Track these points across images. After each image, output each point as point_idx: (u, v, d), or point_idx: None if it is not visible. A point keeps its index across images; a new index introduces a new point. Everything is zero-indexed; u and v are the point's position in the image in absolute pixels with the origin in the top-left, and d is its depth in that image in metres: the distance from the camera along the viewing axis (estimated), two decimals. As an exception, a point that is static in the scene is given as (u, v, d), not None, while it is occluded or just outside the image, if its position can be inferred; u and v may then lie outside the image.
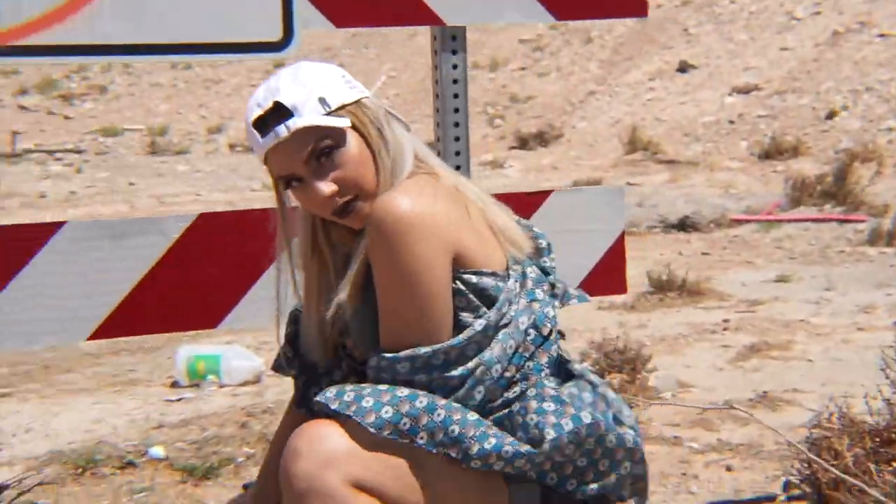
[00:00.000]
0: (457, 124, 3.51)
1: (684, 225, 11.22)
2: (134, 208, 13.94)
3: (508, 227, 2.69)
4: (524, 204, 3.59)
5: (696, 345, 6.80)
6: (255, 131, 2.54)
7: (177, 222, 3.28)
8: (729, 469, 4.65)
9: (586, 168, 16.37)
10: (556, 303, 2.67)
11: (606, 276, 3.63)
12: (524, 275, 2.63)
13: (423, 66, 25.00)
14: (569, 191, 3.62)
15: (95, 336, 3.21)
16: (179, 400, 5.94)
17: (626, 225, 11.41)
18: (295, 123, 2.49)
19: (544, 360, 2.58)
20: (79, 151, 21.44)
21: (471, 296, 2.54)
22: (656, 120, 19.09)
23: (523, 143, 18.92)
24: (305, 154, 2.52)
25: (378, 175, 2.56)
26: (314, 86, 2.53)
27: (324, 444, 2.42)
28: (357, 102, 2.58)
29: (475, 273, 2.54)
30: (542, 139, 18.90)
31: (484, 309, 2.54)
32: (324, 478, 2.39)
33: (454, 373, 2.48)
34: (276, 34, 3.30)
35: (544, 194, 3.60)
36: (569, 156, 17.86)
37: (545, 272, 2.73)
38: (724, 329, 7.15)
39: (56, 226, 3.19)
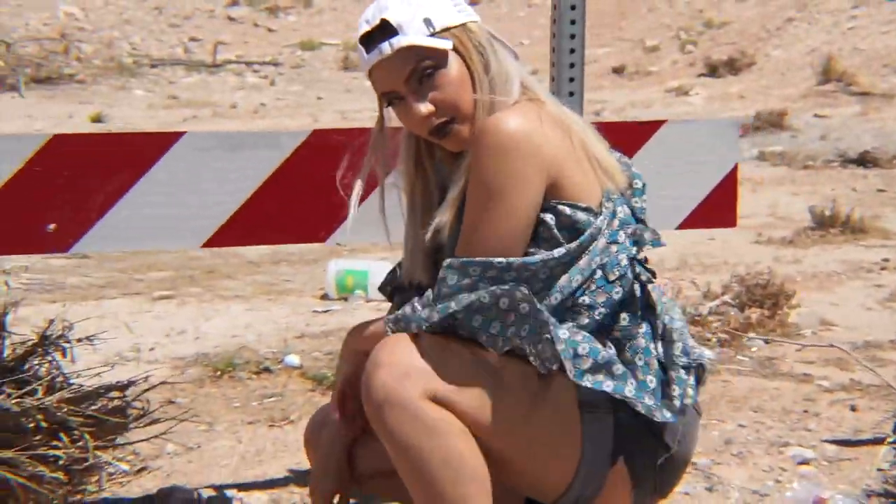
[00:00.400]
0: (572, 50, 3.52)
1: (863, 160, 10.98)
2: (317, 122, 14.18)
3: (607, 159, 2.70)
4: (636, 133, 3.61)
5: (848, 283, 6.72)
6: (361, 47, 2.62)
7: (291, 137, 3.39)
8: (853, 409, 4.62)
9: (774, 98, 16.07)
10: (634, 249, 2.67)
11: (717, 209, 3.64)
12: (613, 213, 2.64)
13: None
14: (681, 122, 3.62)
15: (209, 244, 3.34)
16: (326, 312, 6.12)
17: (803, 158, 11.23)
18: (399, 42, 2.55)
19: (601, 300, 2.61)
20: (276, 64, 21.81)
21: (555, 230, 2.58)
22: (855, 49, 18.61)
23: (713, 70, 18.65)
24: (407, 72, 2.58)
25: (482, 99, 2.61)
26: (421, 6, 2.58)
27: (404, 357, 2.51)
28: (462, 26, 2.62)
29: (570, 205, 2.58)
30: (732, 67, 18.60)
31: (563, 242, 2.58)
32: (400, 389, 2.48)
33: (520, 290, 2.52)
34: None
35: (657, 124, 3.61)
36: (759, 85, 17.54)
37: (634, 213, 2.74)
38: (882, 268, 7.03)
39: (177, 135, 3.33)
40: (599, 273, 2.59)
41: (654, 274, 2.75)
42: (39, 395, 3.44)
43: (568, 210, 2.58)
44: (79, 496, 3.74)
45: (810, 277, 6.81)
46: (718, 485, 3.93)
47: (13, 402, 3.38)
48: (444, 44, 2.58)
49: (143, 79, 19.38)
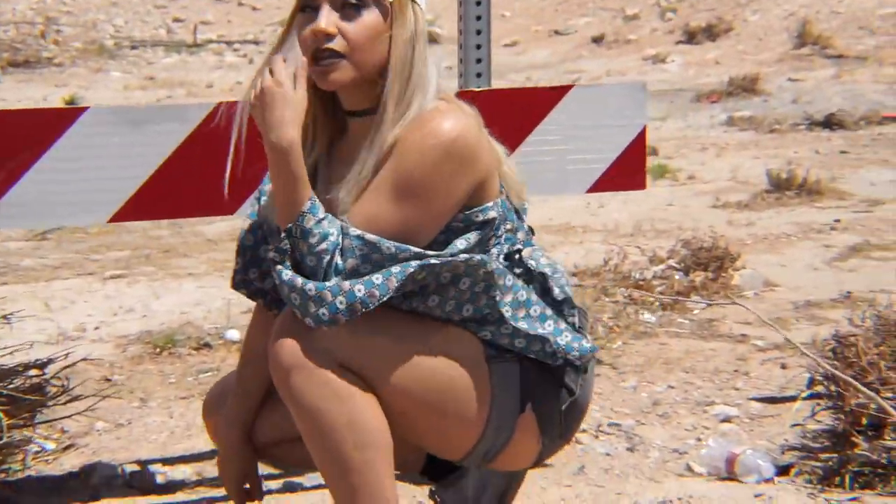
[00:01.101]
0: (479, 28, 3.54)
1: (829, 122, 10.99)
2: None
3: (510, 172, 2.73)
4: (545, 99, 3.62)
5: (798, 244, 6.75)
6: None
7: (198, 110, 3.40)
8: (784, 367, 4.66)
9: (749, 63, 16.06)
10: (507, 246, 2.68)
11: (625, 173, 3.65)
12: (504, 207, 2.67)
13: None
14: (589, 86, 3.64)
15: (115, 219, 3.36)
16: (276, 286, 6.13)
17: (771, 122, 11.24)
18: None
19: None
20: (256, 42, 21.76)
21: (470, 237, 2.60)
22: (832, 13, 18.59)
23: (691, 36, 18.62)
24: None
25: (383, 70, 2.57)
26: None
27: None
28: (414, 1, 2.59)
29: (480, 209, 2.60)
30: (710, 33, 18.57)
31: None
32: (309, 353, 2.50)
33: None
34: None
35: (564, 89, 3.63)
36: (735, 50, 17.53)
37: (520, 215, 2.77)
38: (832, 229, 7.06)
39: (79, 111, 3.34)
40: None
41: (532, 231, 2.80)
42: (-49, 373, 3.46)
43: (476, 214, 2.60)
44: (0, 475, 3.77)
45: (761, 240, 6.84)
46: (640, 445, 3.97)
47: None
48: None
49: (121, 60, 19.37)
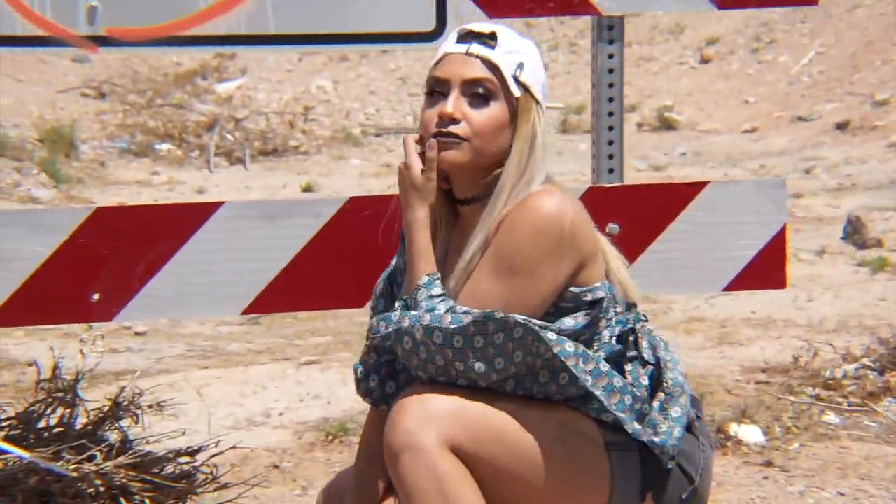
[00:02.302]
0: (611, 125, 3.53)
1: None
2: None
3: (620, 271, 2.78)
4: (681, 195, 3.57)
5: None
6: (456, 35, 2.73)
7: (328, 205, 3.47)
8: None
9: None
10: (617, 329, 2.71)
11: (765, 271, 3.57)
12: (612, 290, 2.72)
13: (857, 40, 24.13)
14: (726, 182, 3.57)
15: (247, 311, 3.45)
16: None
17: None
18: (489, 53, 2.66)
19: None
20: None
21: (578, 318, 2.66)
22: None
23: None
24: (471, 77, 2.66)
25: (507, 162, 2.66)
26: (526, 54, 2.70)
27: (428, 402, 2.58)
28: (537, 101, 2.70)
29: (584, 290, 2.66)
30: None
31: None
32: (422, 435, 2.54)
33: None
34: (430, 25, 3.43)
35: (700, 185, 3.57)
36: None
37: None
38: None
39: (215, 205, 3.45)
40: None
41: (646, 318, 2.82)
42: (99, 460, 3.58)
43: (584, 294, 2.66)
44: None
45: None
46: (799, 553, 3.82)
47: (71, 467, 3.53)
48: (516, 91, 2.66)
49: (363, 148, 19.80)
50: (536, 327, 2.55)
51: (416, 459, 2.54)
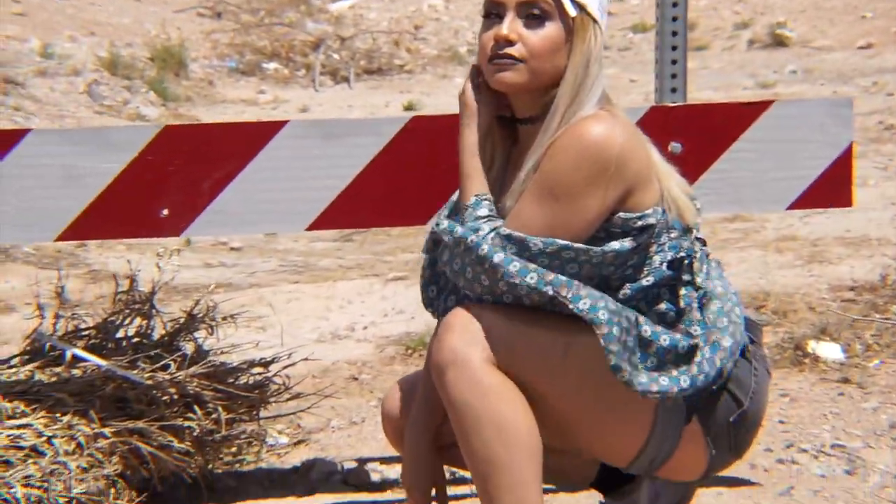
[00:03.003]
0: (675, 45, 3.53)
1: None
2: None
3: (674, 191, 2.75)
4: (743, 114, 3.56)
5: None
6: None
7: (391, 124, 3.52)
8: None
9: None
10: (670, 253, 2.71)
11: (830, 190, 3.55)
12: (665, 216, 2.71)
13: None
14: (790, 102, 3.56)
15: (313, 227, 3.51)
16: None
17: None
18: None
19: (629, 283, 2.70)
20: (606, 48, 21.80)
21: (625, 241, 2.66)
22: None
23: None
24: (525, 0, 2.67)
25: (561, 82, 2.67)
26: None
27: (474, 322, 2.63)
28: (596, 21, 2.70)
29: (635, 216, 2.66)
30: None
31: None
32: (467, 353, 2.61)
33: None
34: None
35: (764, 105, 3.56)
36: None
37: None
38: None
39: (280, 124, 3.51)
40: (630, 270, 2.68)
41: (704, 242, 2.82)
42: (172, 369, 3.69)
43: (634, 220, 2.66)
44: (224, 466, 3.99)
45: None
46: (861, 468, 3.83)
47: (146, 375, 3.65)
48: (572, 10, 2.66)
49: (468, 67, 19.76)
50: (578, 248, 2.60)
51: (461, 375, 2.60)
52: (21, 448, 3.41)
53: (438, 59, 20.57)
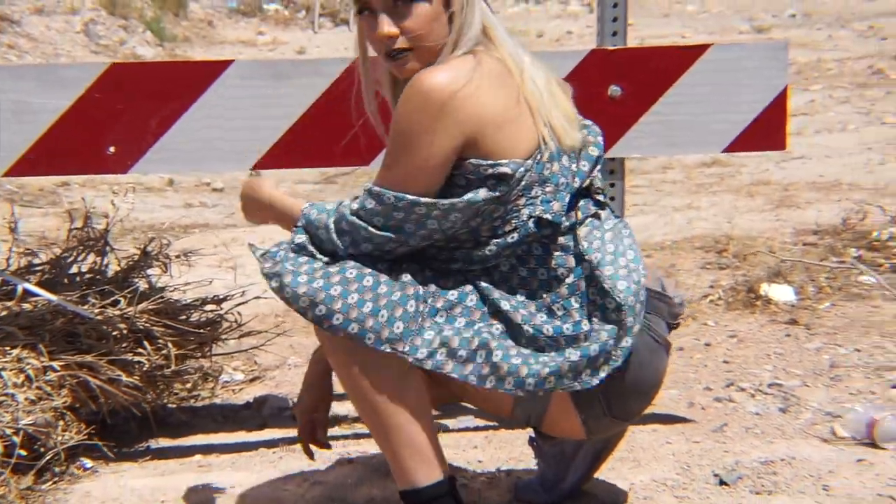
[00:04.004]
0: (615, 5, 3.59)
1: None
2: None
3: (556, 118, 2.74)
4: (682, 58, 3.62)
5: None
6: None
7: (334, 65, 3.58)
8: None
9: None
10: (540, 208, 2.71)
11: (765, 132, 3.61)
12: (541, 166, 2.70)
13: None
14: (727, 45, 3.61)
15: (258, 166, 3.58)
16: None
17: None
18: None
19: (496, 240, 2.73)
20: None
21: (479, 192, 2.67)
22: None
23: None
24: None
25: (448, 39, 2.69)
26: None
27: None
28: None
29: (489, 164, 2.66)
30: None
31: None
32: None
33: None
34: None
35: (702, 48, 3.61)
36: None
37: (569, 175, 2.76)
38: None
39: (225, 64, 3.58)
40: (499, 221, 2.70)
41: (601, 206, 2.82)
42: (123, 305, 3.77)
43: (485, 168, 2.66)
44: (179, 401, 4.08)
45: None
46: (794, 406, 3.91)
47: (96, 310, 3.73)
48: None
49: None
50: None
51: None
52: (-30, 380, 3.49)
53: (438, 1, 20.50)
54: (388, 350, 2.61)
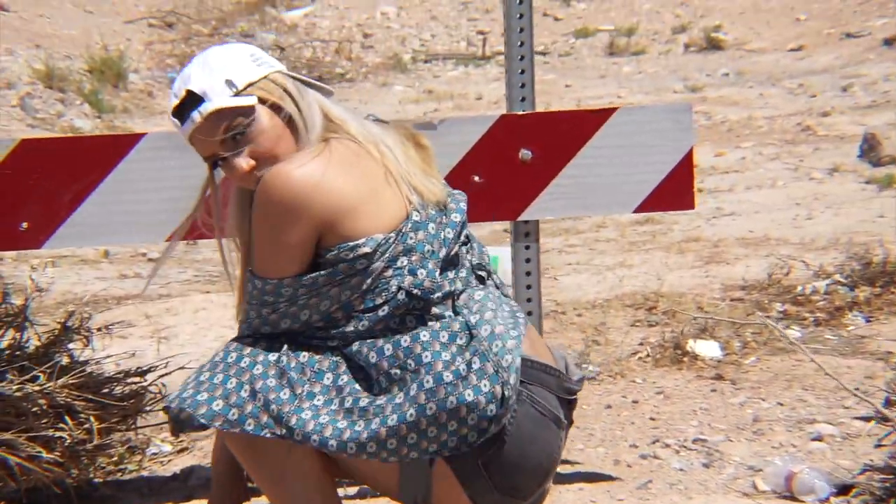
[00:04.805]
0: (522, 55, 3.64)
1: None
2: (546, 107, 14.27)
3: (416, 178, 2.79)
4: (591, 121, 3.67)
5: None
6: (175, 120, 2.78)
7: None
8: (905, 387, 4.51)
9: None
10: (409, 279, 2.73)
11: (673, 193, 3.66)
12: (405, 237, 2.73)
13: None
14: (634, 108, 3.67)
15: (170, 238, 3.58)
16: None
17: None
18: (206, 108, 2.71)
19: (367, 315, 2.75)
20: (544, 53, 21.91)
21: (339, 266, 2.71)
22: None
23: None
24: (220, 134, 2.73)
25: (298, 143, 2.75)
26: (221, 69, 2.73)
27: None
28: (265, 78, 2.74)
29: (349, 247, 2.70)
30: None
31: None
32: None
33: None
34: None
35: (609, 112, 3.67)
36: None
37: (435, 241, 2.78)
38: None
39: (137, 137, 3.61)
40: (369, 294, 2.72)
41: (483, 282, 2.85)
42: (42, 380, 3.75)
43: (346, 252, 2.70)
44: (105, 476, 4.06)
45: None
46: (717, 461, 3.95)
47: (14, 387, 3.71)
48: (249, 100, 2.72)
49: (409, 75, 19.87)
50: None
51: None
52: None
53: (381, 67, 20.68)
54: (268, 435, 2.65)
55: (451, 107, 15.50)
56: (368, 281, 2.70)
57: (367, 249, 2.69)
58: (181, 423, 2.71)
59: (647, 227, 7.96)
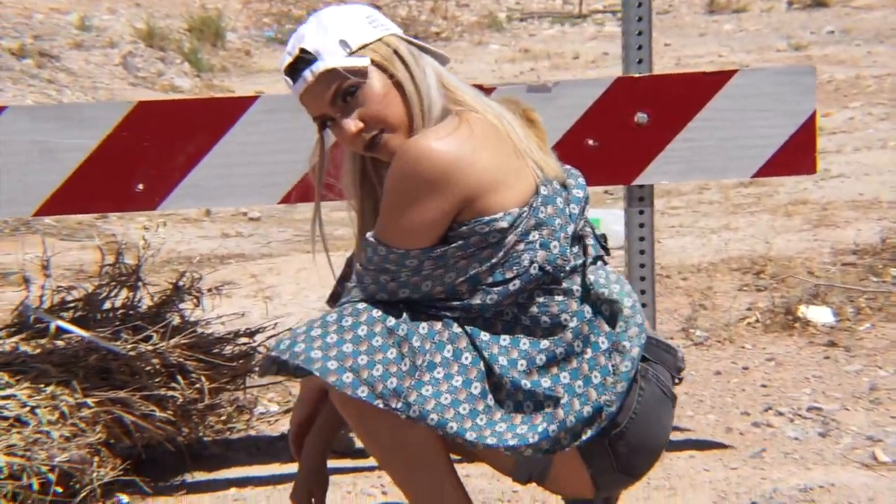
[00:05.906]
0: (640, 16, 3.58)
1: None
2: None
3: (536, 153, 2.74)
4: (708, 84, 3.60)
5: None
6: (287, 78, 2.75)
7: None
8: None
9: None
10: (541, 253, 2.68)
11: (794, 157, 3.58)
12: (536, 211, 2.68)
13: None
14: (754, 71, 3.59)
15: (285, 200, 3.60)
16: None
17: None
18: (318, 67, 2.68)
19: (496, 289, 2.69)
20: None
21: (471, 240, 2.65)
22: None
23: None
24: (331, 95, 2.69)
25: (409, 108, 2.69)
26: (336, 29, 2.69)
27: None
28: (379, 41, 2.70)
29: (488, 221, 2.64)
30: None
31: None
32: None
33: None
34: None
35: (728, 74, 3.59)
36: None
37: (564, 217, 2.73)
38: None
39: (252, 99, 3.59)
40: (498, 268, 2.67)
41: (606, 251, 2.82)
42: (155, 340, 3.78)
43: (482, 227, 2.64)
44: (214, 435, 4.09)
45: None
46: (834, 430, 3.88)
47: (129, 346, 3.74)
48: (363, 61, 2.67)
49: (505, 34, 19.77)
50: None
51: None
52: (5, 418, 3.50)
53: (476, 26, 20.59)
54: (381, 406, 2.59)
55: (547, 66, 15.38)
56: (500, 254, 2.65)
57: (504, 224, 2.63)
58: (284, 364, 2.64)
59: (752, 190, 7.84)
